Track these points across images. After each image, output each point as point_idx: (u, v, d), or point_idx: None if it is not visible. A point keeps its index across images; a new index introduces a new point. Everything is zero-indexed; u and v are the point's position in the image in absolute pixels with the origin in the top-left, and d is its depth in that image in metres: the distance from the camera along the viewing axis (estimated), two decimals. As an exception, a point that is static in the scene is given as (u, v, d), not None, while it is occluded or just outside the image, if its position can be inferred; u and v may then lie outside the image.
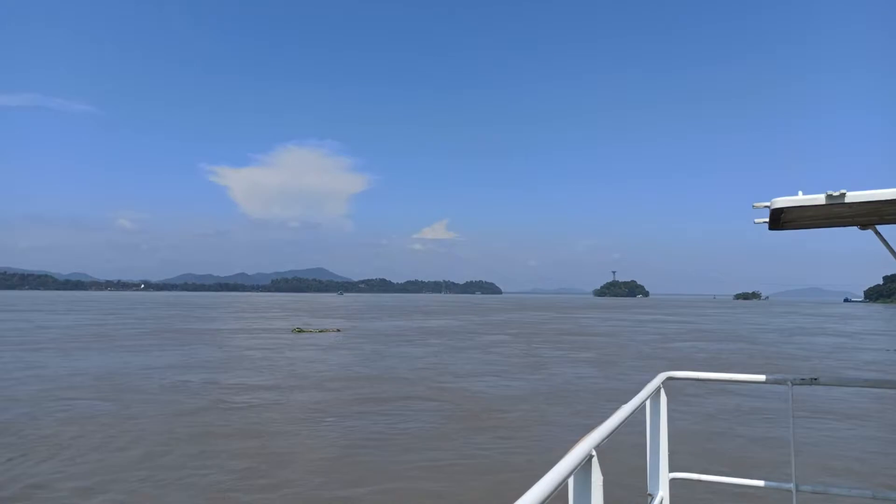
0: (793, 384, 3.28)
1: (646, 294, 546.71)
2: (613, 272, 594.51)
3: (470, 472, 10.68)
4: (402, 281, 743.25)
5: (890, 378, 3.45)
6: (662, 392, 3.17)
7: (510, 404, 17.16)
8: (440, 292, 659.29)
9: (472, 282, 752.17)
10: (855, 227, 3.23)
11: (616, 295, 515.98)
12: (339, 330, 47.22)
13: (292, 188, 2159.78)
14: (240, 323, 58.68)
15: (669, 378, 3.34)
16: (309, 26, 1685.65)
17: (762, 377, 3.34)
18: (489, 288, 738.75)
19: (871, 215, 2.98)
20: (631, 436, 4.83)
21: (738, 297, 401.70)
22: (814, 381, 3.27)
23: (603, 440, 1.81)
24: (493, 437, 13.24)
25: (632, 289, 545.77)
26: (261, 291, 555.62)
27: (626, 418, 2.18)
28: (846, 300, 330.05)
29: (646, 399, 2.78)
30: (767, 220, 2.97)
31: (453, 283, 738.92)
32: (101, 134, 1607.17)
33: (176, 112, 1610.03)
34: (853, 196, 2.12)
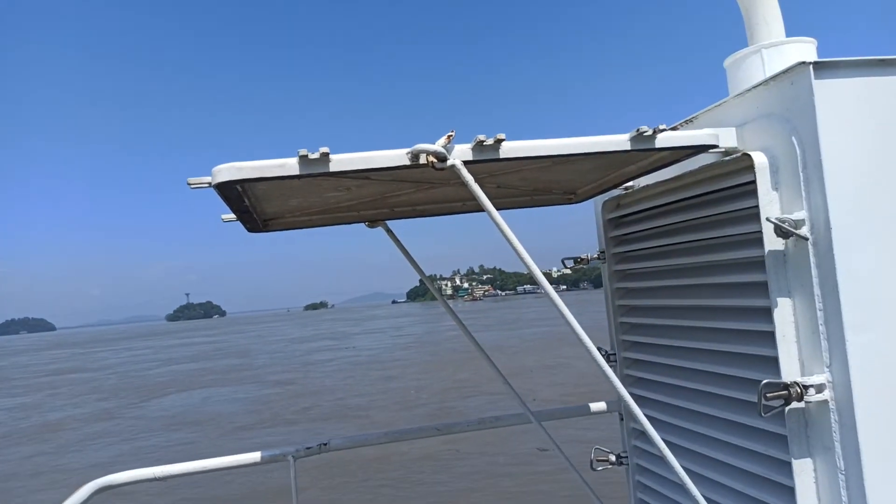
0: (295, 457, 2.64)
1: (223, 314, 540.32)
2: (187, 294, 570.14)
3: None
4: None
5: (401, 429, 3.07)
6: None
7: None
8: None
9: (13, 320, 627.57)
10: (365, 226, 2.59)
11: (191, 318, 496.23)
12: None
13: None
14: None
15: (104, 488, 2.40)
16: None
17: (256, 456, 2.63)
18: (38, 325, 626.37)
19: (378, 207, 2.40)
20: None
21: (307, 307, 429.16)
22: (323, 448, 2.72)
23: None
24: None
25: (208, 310, 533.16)
26: None
27: None
28: (393, 301, 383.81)
29: None
30: (234, 216, 2.10)
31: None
32: None
33: None
34: (342, 161, 1.48)
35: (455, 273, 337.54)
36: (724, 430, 2.06)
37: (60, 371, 45.24)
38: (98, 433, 17.96)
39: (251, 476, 11.38)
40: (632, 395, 2.42)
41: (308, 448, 2.69)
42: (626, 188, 2.51)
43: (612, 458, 2.73)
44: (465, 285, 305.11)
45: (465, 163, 1.53)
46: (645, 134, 1.59)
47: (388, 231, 2.59)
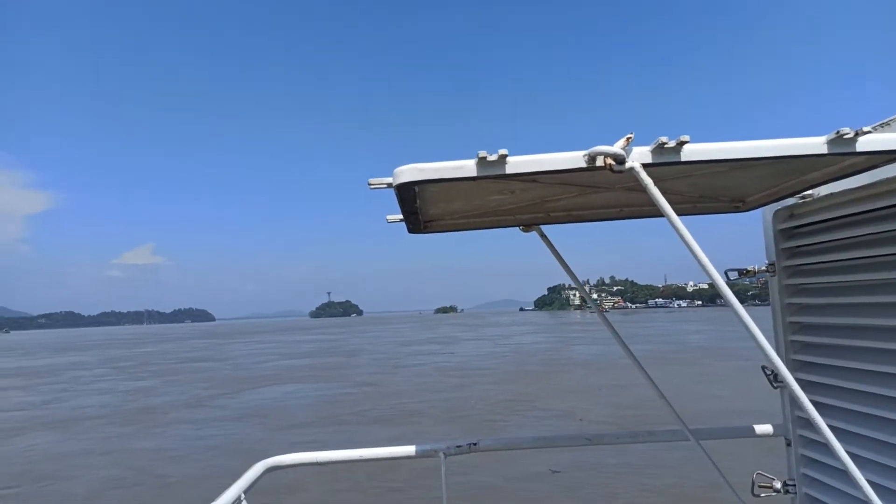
0: (446, 455, 2.78)
1: (360, 313, 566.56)
2: (328, 293, 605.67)
3: None
4: (95, 313, 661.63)
5: (552, 435, 3.30)
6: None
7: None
8: (142, 323, 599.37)
9: (180, 310, 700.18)
10: (520, 230, 2.61)
11: (331, 315, 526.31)
12: None
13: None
14: None
15: (272, 468, 2.64)
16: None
17: (411, 449, 2.79)
18: (201, 315, 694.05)
19: (535, 211, 2.42)
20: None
21: (437, 311, 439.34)
22: (473, 448, 2.83)
23: None
24: None
25: (346, 309, 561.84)
26: None
27: None
28: (521, 309, 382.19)
29: (236, 502, 2.22)
30: (402, 218, 2.20)
31: (158, 313, 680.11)
32: None
33: None
34: (518, 164, 1.50)
35: (584, 283, 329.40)
36: None
37: (191, 359, 49.86)
38: (178, 420, 19.66)
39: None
40: (805, 419, 2.48)
41: (458, 447, 2.80)
42: (803, 197, 2.37)
43: (777, 485, 2.58)
44: (594, 296, 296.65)
45: (644, 166, 1.51)
46: (845, 136, 1.48)
47: (543, 236, 2.58)
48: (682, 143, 1.47)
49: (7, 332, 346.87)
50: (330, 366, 37.54)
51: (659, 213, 2.38)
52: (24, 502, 11.52)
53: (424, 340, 64.74)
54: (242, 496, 2.27)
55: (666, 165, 1.52)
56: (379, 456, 2.79)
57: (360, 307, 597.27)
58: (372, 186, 1.70)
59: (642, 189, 1.53)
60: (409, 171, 1.52)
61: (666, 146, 1.48)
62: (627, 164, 1.47)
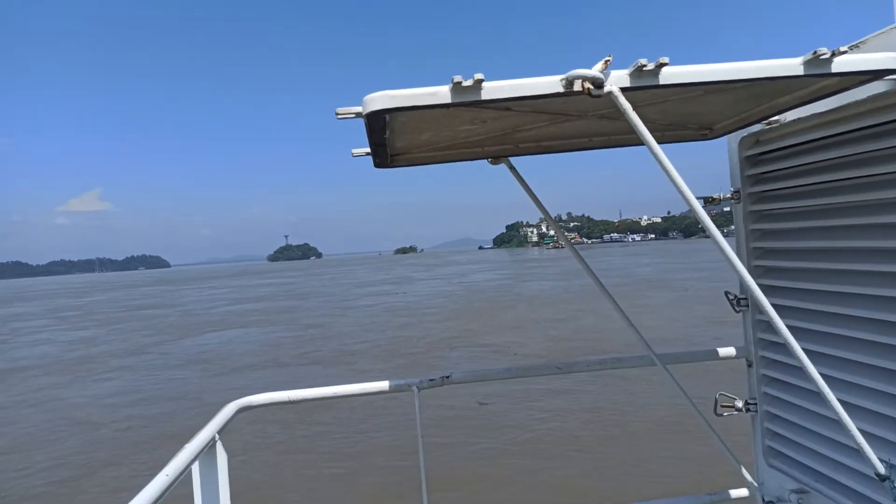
0: (419, 388, 2.83)
1: (319, 256, 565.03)
2: (286, 236, 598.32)
3: None
4: (44, 262, 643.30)
5: (522, 365, 3.15)
6: (219, 446, 2.33)
7: None
8: (94, 271, 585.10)
9: (133, 257, 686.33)
10: (488, 162, 2.56)
11: (290, 259, 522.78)
12: None
13: None
14: None
15: (244, 408, 2.62)
16: None
17: (384, 384, 2.83)
18: (155, 262, 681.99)
19: (504, 142, 2.37)
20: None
21: (397, 251, 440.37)
22: (445, 381, 2.88)
23: None
24: None
25: (305, 252, 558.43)
26: None
27: (168, 486, 1.67)
28: (480, 247, 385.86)
29: (211, 442, 2.20)
30: (368, 152, 2.18)
31: (110, 261, 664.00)
32: None
33: None
34: (494, 89, 1.43)
35: (542, 220, 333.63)
36: (883, 379, 2.02)
37: (139, 307, 49.12)
38: (117, 368, 19.52)
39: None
40: (766, 341, 2.61)
41: (431, 380, 2.82)
42: (769, 123, 2.37)
43: (739, 404, 2.68)
44: (552, 232, 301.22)
45: (622, 90, 1.45)
46: (822, 57, 1.43)
47: (512, 168, 2.55)
48: (662, 65, 1.43)
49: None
50: (280, 309, 37.51)
51: (629, 142, 2.41)
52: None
53: (379, 281, 65.02)
54: (217, 436, 2.26)
55: (644, 89, 1.47)
56: (352, 392, 2.77)
57: (319, 250, 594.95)
58: (339, 116, 1.63)
59: (615, 116, 1.49)
60: (381, 99, 1.44)
61: (645, 69, 1.43)
62: (606, 88, 1.42)
